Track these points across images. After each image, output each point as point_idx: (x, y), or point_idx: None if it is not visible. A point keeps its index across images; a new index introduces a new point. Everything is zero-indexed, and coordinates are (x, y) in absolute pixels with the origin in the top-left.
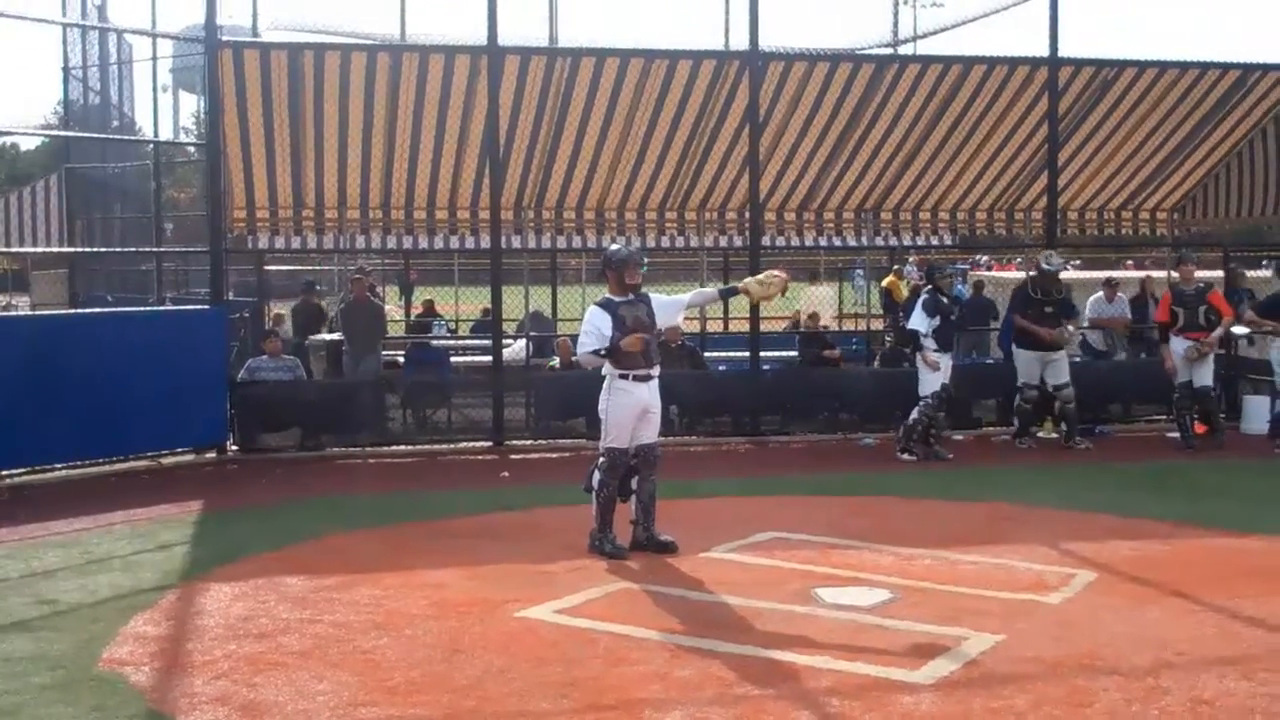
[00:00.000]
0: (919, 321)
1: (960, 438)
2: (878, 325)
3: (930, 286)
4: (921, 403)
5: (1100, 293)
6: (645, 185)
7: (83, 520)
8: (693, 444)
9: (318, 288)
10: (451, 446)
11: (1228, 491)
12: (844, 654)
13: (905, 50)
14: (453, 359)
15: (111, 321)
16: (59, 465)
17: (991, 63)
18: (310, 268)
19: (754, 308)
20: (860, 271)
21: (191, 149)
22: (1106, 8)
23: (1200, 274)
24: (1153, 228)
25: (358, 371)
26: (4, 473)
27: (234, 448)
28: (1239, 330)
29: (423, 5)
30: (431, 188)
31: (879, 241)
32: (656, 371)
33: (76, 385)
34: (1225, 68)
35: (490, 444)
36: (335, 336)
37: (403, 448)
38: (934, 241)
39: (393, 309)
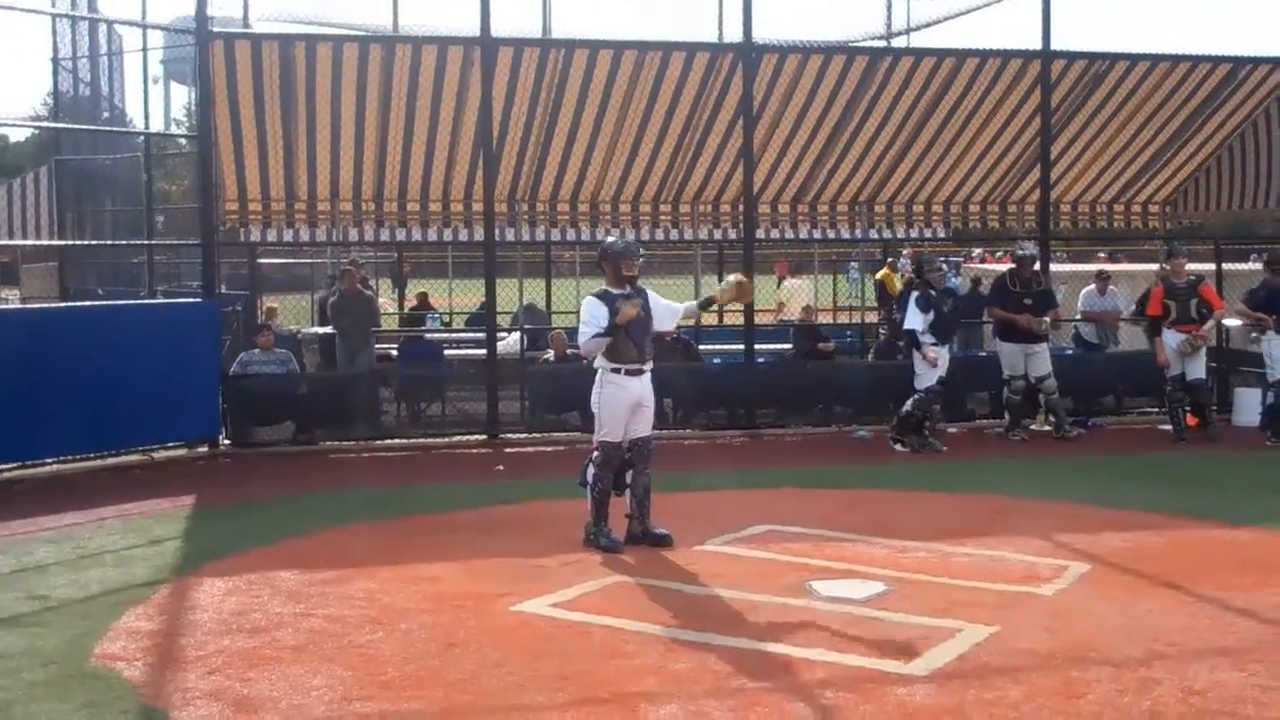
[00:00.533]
0: (915, 320)
1: (953, 430)
2: (872, 318)
3: (919, 282)
4: (917, 395)
5: (1092, 285)
6: (639, 178)
7: (74, 515)
8: (687, 437)
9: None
10: (446, 440)
11: (1220, 483)
12: (838, 646)
13: (899, 43)
14: (446, 352)
15: (102, 315)
16: (50, 460)
17: (984, 55)
18: (303, 261)
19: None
20: (854, 264)
21: (183, 141)
22: (1099, 1)
23: (1191, 267)
24: (1145, 220)
25: (353, 364)
26: None
27: (226, 442)
28: (1232, 322)
29: None
30: (425, 180)
31: (873, 234)
32: (649, 366)
33: (67, 379)
34: (1217, 61)
35: (485, 437)
36: (328, 330)
37: (397, 441)
38: (927, 234)
39: (386, 302)
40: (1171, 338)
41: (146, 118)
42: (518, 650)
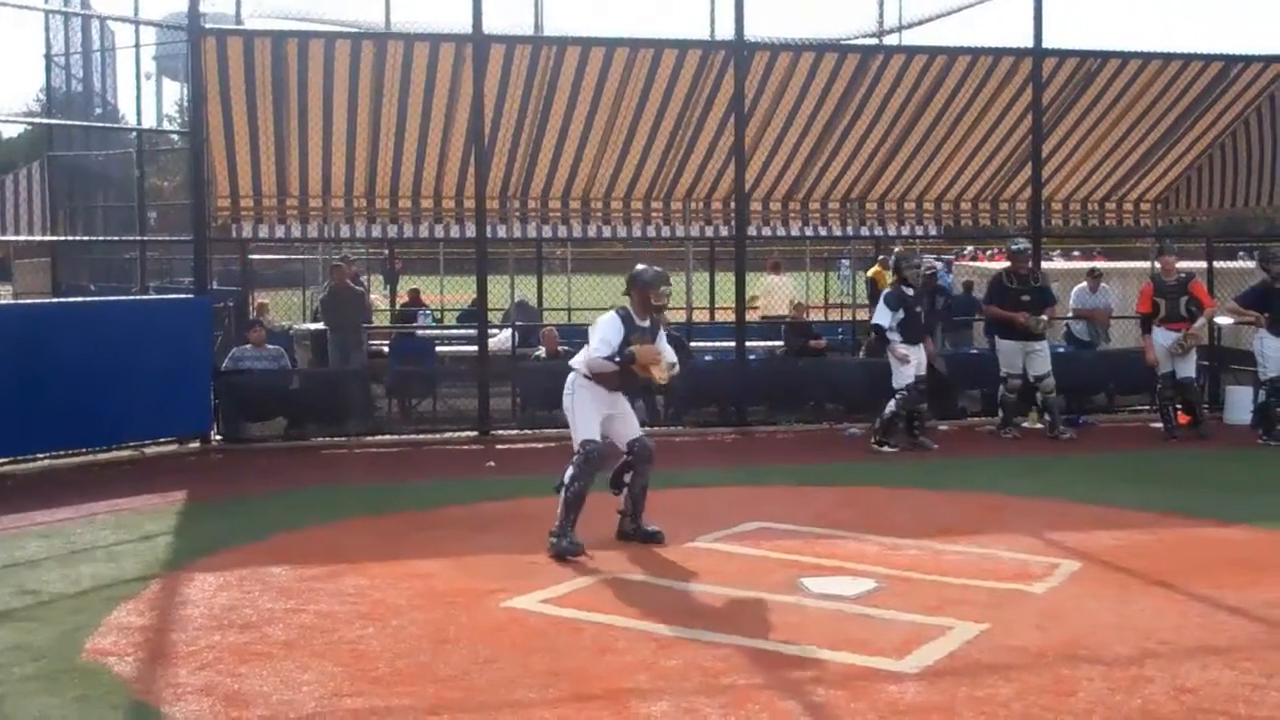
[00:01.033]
0: (882, 316)
1: (945, 428)
2: (864, 315)
3: (894, 279)
4: (897, 395)
5: (1084, 283)
6: (631, 175)
7: (65, 510)
8: (678, 434)
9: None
10: (437, 436)
11: (1211, 481)
12: (829, 643)
13: (890, 40)
14: (438, 348)
15: (94, 311)
16: (41, 455)
17: (976, 53)
18: (295, 257)
19: (740, 298)
20: (846, 262)
21: (175, 137)
22: None
23: (1181, 264)
24: (1136, 218)
25: (346, 360)
26: None
27: (218, 438)
28: (1223, 320)
29: None
30: (416, 176)
31: (864, 232)
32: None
33: (59, 375)
34: (1208, 59)
35: (476, 434)
36: (320, 325)
37: (388, 437)
38: (919, 232)
39: (378, 298)
40: (1161, 336)
41: (139, 114)
42: (508, 646)
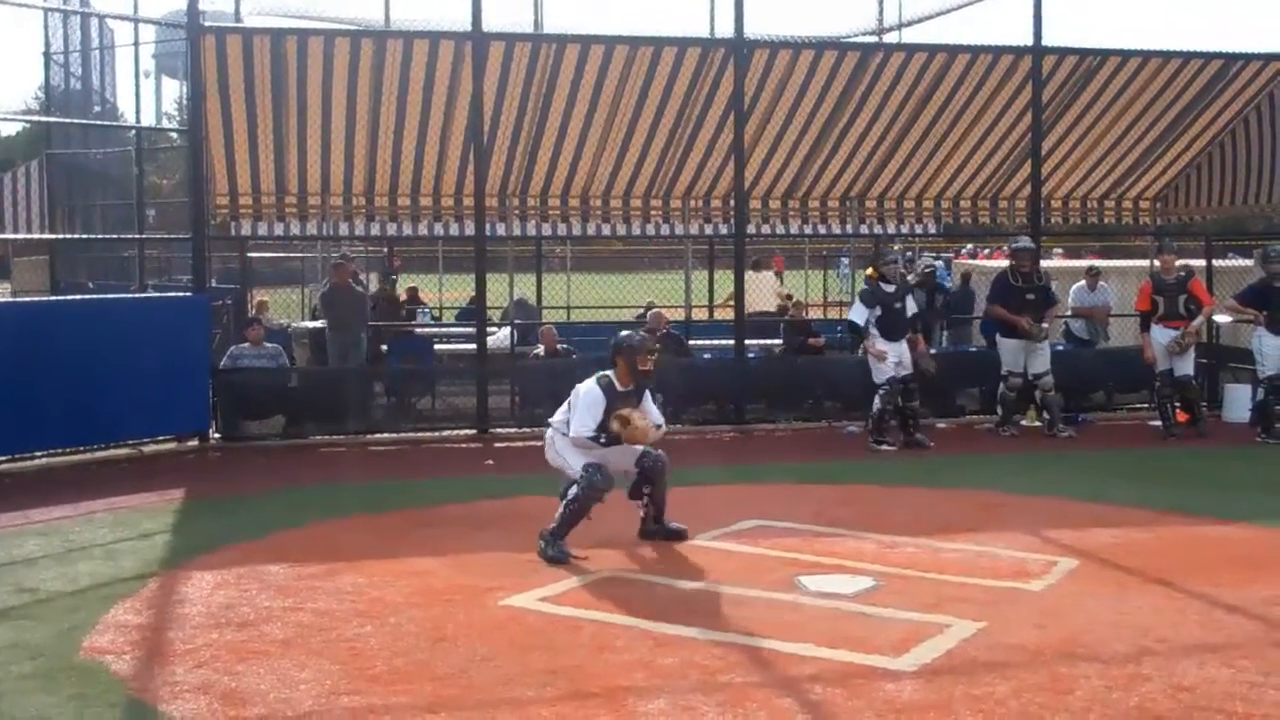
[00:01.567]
0: (857, 313)
1: (944, 426)
2: None
3: (869, 275)
4: (878, 392)
5: (1083, 281)
6: (630, 173)
7: (63, 508)
8: (677, 432)
9: (393, 278)
10: (436, 435)
11: (1209, 479)
12: (827, 641)
13: (890, 38)
14: (437, 347)
15: (93, 309)
16: (39, 453)
17: (975, 51)
18: (294, 255)
19: (739, 296)
20: (845, 260)
21: (174, 135)
22: None
23: (1180, 262)
24: (1135, 216)
25: (345, 360)
26: None
27: (216, 436)
28: (1222, 318)
29: None
30: (415, 174)
31: (864, 230)
32: None
33: (57, 373)
34: (1208, 57)
35: (475, 432)
36: (319, 324)
37: (386, 436)
38: (918, 230)
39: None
40: (1160, 334)
41: (138, 112)
42: (506, 644)
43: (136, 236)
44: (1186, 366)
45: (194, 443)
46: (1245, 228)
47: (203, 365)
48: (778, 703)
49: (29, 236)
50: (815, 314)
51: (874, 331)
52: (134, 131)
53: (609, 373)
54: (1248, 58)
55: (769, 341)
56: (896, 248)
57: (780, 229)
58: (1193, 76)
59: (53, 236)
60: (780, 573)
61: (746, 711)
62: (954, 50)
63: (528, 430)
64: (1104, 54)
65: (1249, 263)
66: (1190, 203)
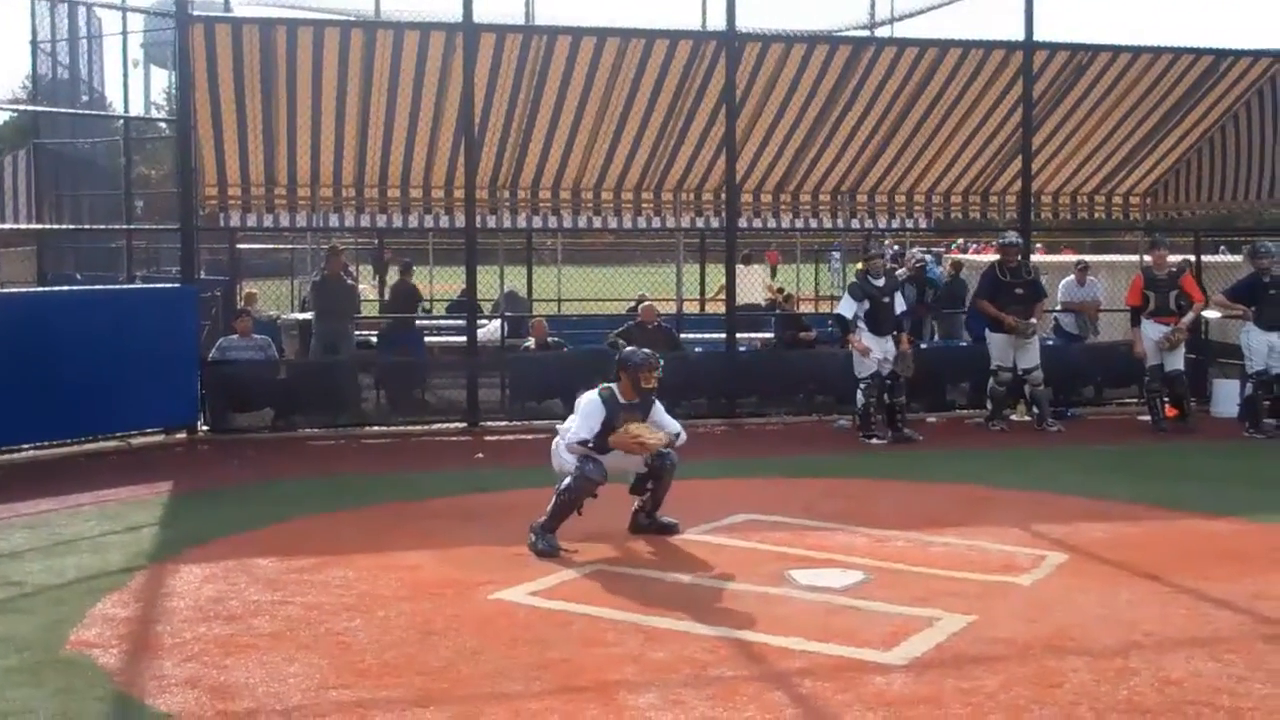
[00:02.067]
0: (845, 307)
1: (933, 420)
2: None
3: (859, 270)
4: (860, 387)
5: (1072, 276)
6: (621, 165)
7: (50, 501)
8: None
9: (411, 265)
10: (426, 428)
11: (1198, 474)
12: (817, 635)
13: (882, 33)
14: (427, 339)
15: (80, 300)
16: (26, 446)
17: (967, 46)
18: (283, 246)
19: (730, 289)
20: (837, 254)
21: (163, 125)
22: None
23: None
24: (1126, 212)
25: (329, 351)
26: None
27: (205, 428)
28: (1211, 313)
29: None
30: (406, 166)
31: (855, 224)
32: None
33: (44, 365)
34: (1199, 53)
35: (465, 425)
36: (308, 315)
37: (376, 429)
38: (909, 224)
39: (367, 288)
40: (1151, 329)
41: (126, 101)
42: (496, 639)
43: (124, 227)
44: (1177, 361)
45: (182, 435)
46: (1235, 223)
47: (191, 357)
48: (768, 696)
49: (16, 227)
50: (806, 308)
51: (861, 326)
52: (122, 121)
53: (612, 385)
54: (1238, 54)
55: (760, 335)
56: (887, 242)
57: (771, 223)
58: (1183, 72)
59: (40, 227)
60: (770, 567)
61: (737, 705)
62: (945, 45)
63: (518, 423)
64: (1095, 49)
65: (1237, 258)
66: (1180, 198)
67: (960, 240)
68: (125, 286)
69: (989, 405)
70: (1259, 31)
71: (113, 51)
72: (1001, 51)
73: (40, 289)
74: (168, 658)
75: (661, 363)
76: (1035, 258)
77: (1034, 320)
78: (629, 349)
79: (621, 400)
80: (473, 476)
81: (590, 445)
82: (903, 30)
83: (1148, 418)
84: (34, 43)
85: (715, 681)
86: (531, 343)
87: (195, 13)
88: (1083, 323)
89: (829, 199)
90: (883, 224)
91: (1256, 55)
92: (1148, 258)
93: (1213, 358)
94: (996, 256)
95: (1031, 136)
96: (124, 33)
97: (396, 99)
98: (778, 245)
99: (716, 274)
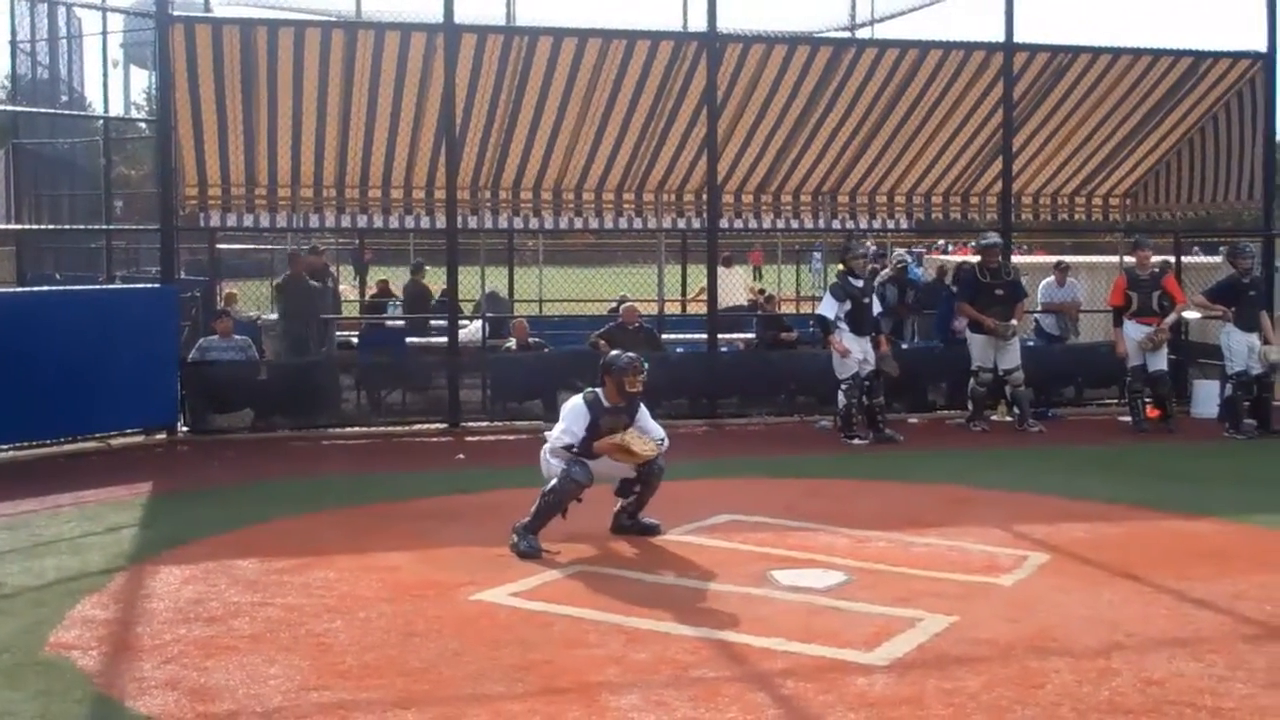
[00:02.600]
0: (827, 308)
1: (914, 420)
2: None
3: (840, 270)
4: (840, 387)
5: (1051, 277)
6: (603, 166)
7: (29, 502)
8: None
9: (425, 266)
10: (407, 428)
11: (1179, 475)
12: (799, 636)
13: (862, 34)
14: (408, 340)
15: (60, 300)
16: (5, 446)
17: (948, 47)
18: (263, 247)
19: (712, 290)
20: (818, 255)
21: (142, 125)
22: None
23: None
24: (1106, 213)
25: (297, 352)
26: None
27: (185, 429)
28: (1190, 314)
29: None
30: (387, 166)
31: (836, 225)
32: None
33: (23, 365)
34: (1178, 55)
35: (446, 426)
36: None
37: (357, 429)
38: (890, 225)
39: (347, 289)
40: (1133, 329)
41: (106, 102)
42: (477, 640)
43: (104, 228)
44: (1160, 362)
45: (162, 436)
46: (1215, 224)
47: (171, 358)
48: (750, 697)
49: None
50: (788, 309)
51: (842, 326)
52: (102, 121)
53: (597, 389)
54: (1217, 55)
55: (741, 336)
56: (868, 242)
57: (753, 223)
58: (1163, 74)
59: (19, 227)
60: (752, 567)
61: (719, 706)
62: (926, 46)
63: (499, 424)
64: (1075, 51)
65: (1211, 259)
66: (1160, 199)
67: (941, 241)
68: (105, 287)
69: (970, 406)
70: (1238, 33)
71: (92, 52)
72: (982, 53)
73: (19, 289)
74: (148, 660)
75: (646, 366)
76: (1016, 258)
77: (1014, 321)
78: (613, 353)
79: (606, 404)
80: (454, 477)
81: (575, 450)
82: (883, 32)
83: (1128, 418)
84: (13, 42)
85: (697, 682)
86: (513, 343)
87: (175, 13)
88: (1063, 323)
89: (810, 200)
90: (864, 225)
91: (1236, 57)
92: (1130, 258)
93: (1193, 358)
94: (974, 257)
95: (1012, 138)
96: (104, 33)
97: (377, 99)
98: (761, 246)
99: (698, 275)
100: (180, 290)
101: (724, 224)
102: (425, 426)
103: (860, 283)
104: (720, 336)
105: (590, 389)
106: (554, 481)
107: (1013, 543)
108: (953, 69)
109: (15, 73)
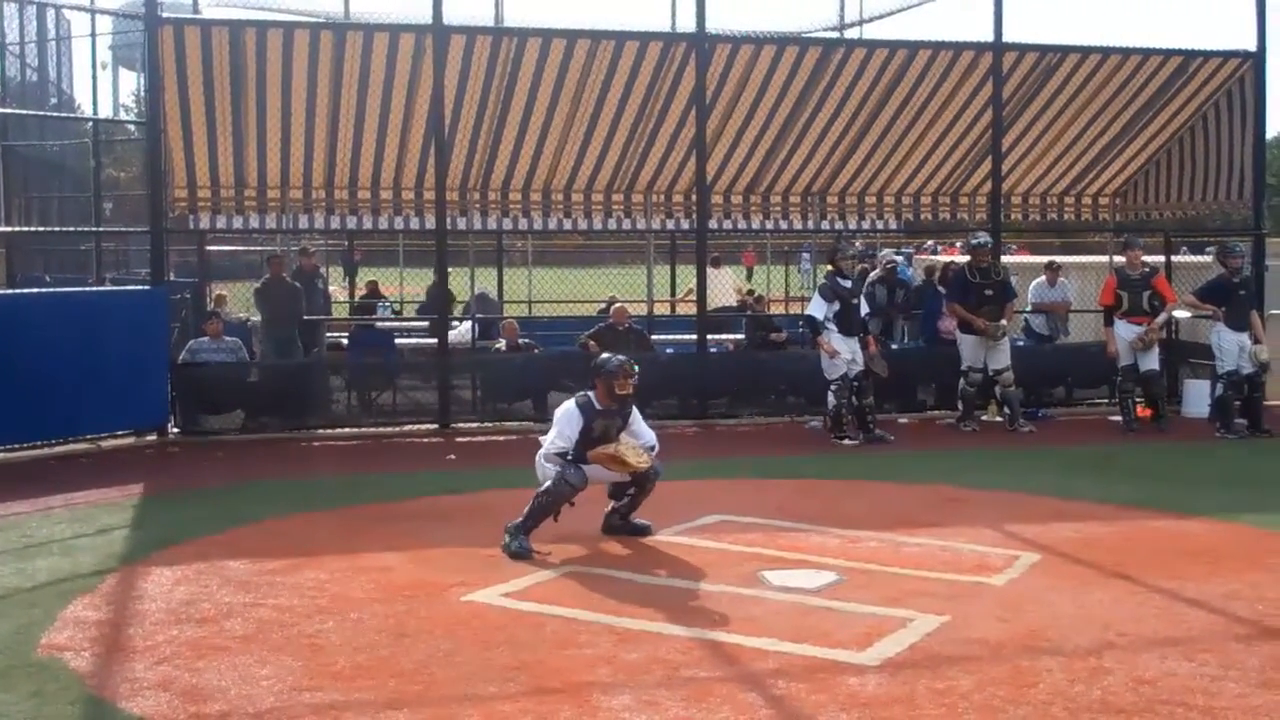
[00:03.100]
0: (816, 308)
1: (904, 421)
2: None
3: (829, 270)
4: (830, 388)
5: (1042, 277)
6: (592, 167)
7: (21, 504)
8: None
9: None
10: (397, 429)
11: (1170, 474)
12: (790, 636)
13: (851, 34)
14: (398, 341)
15: (50, 302)
16: None
17: (937, 47)
18: (253, 248)
19: (701, 290)
20: (807, 255)
21: (132, 127)
22: None
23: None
24: (1095, 213)
25: (282, 355)
26: None
27: (175, 430)
28: (1181, 314)
29: None
30: (376, 167)
31: (825, 225)
32: None
33: (14, 367)
34: (1167, 54)
35: (436, 426)
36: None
37: (347, 430)
38: (880, 225)
39: (337, 290)
40: (1124, 329)
41: (95, 103)
42: (469, 640)
43: (94, 230)
44: (1152, 362)
45: (153, 437)
46: (1204, 224)
47: (161, 359)
48: (741, 697)
49: None
50: (777, 309)
51: (830, 327)
52: (91, 123)
53: (589, 392)
54: (1207, 54)
55: (731, 336)
56: (858, 243)
57: (742, 224)
58: (1152, 73)
59: (9, 229)
60: (743, 567)
61: (710, 706)
62: (915, 46)
63: (489, 425)
64: (1064, 50)
65: (1200, 259)
66: (1150, 199)
67: (930, 241)
68: (95, 289)
69: (960, 406)
70: (1228, 32)
71: (81, 54)
72: (971, 53)
73: (9, 291)
74: (139, 660)
75: (637, 369)
76: (1008, 258)
77: (1004, 322)
78: (603, 355)
79: (598, 407)
80: (444, 478)
81: (569, 455)
82: (872, 32)
83: (1119, 418)
84: (2, 45)
85: (689, 682)
86: (503, 344)
87: (164, 15)
88: (1053, 323)
89: (799, 200)
90: (853, 225)
91: (1225, 56)
92: (1120, 258)
93: (1183, 358)
94: (963, 257)
95: (1001, 137)
96: (93, 35)
97: (366, 100)
98: (754, 246)
99: (687, 275)
100: (170, 292)
101: (713, 225)
102: (415, 427)
103: (849, 283)
104: (709, 337)
105: (583, 392)
106: (548, 483)
107: (1004, 542)
108: (942, 69)
109: (4, 75)
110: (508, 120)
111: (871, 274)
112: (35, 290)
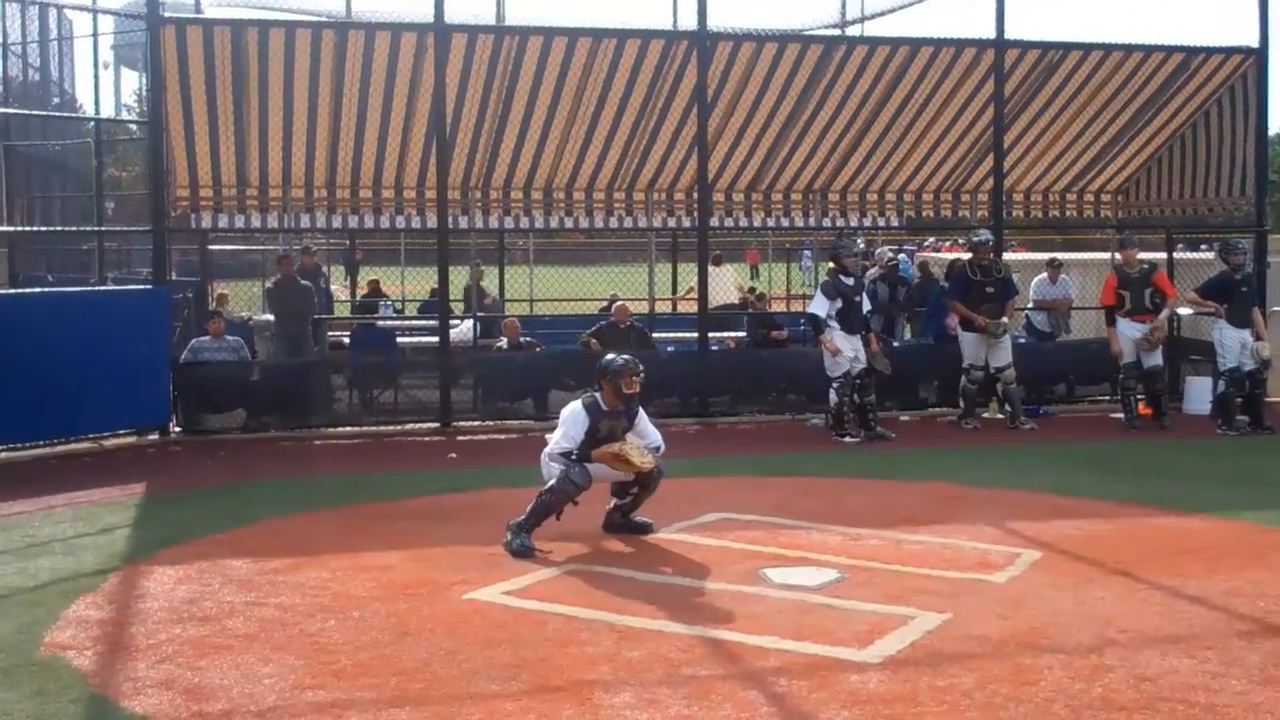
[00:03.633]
0: (818, 306)
1: (906, 418)
2: None
3: (831, 268)
4: (832, 386)
5: (1044, 274)
6: (593, 165)
7: (23, 503)
8: None
9: (480, 266)
10: (398, 428)
11: (1171, 471)
12: (792, 634)
13: (853, 31)
14: (399, 340)
15: (52, 302)
16: None
17: (938, 44)
18: (255, 247)
19: (702, 288)
20: (808, 252)
21: (134, 127)
22: None
23: (1142, 255)
24: (1097, 210)
25: (294, 353)
26: None
27: (177, 429)
28: (1183, 310)
29: None
30: (377, 166)
31: (826, 223)
32: None
33: (16, 366)
34: (1169, 51)
35: (437, 425)
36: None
37: (349, 429)
38: (881, 223)
39: (338, 289)
40: (1126, 327)
41: (97, 103)
42: (471, 638)
43: (96, 229)
44: (1156, 358)
45: (155, 436)
46: (1206, 221)
47: (163, 358)
48: (743, 695)
49: None
50: (778, 307)
51: (833, 324)
52: (93, 123)
53: (595, 393)
54: (1209, 51)
55: (732, 334)
56: (860, 241)
57: (743, 222)
58: (1154, 70)
59: (11, 229)
60: (745, 565)
61: (712, 704)
62: (916, 44)
63: (491, 423)
64: (1066, 47)
65: (1199, 255)
66: (1152, 196)
67: (931, 239)
68: (97, 288)
69: (961, 403)
70: (1230, 29)
71: (83, 53)
72: (972, 50)
73: (11, 291)
74: (142, 659)
75: (642, 369)
76: (1009, 255)
77: (1005, 319)
78: (608, 356)
79: (604, 408)
80: (446, 476)
81: (574, 455)
82: (874, 29)
83: (1120, 415)
84: (4, 45)
85: (690, 680)
86: (504, 343)
87: (166, 14)
88: (1054, 321)
89: (800, 198)
90: (854, 223)
91: (1228, 53)
92: (1118, 256)
93: (1185, 355)
94: (965, 255)
95: (1003, 135)
96: (95, 35)
97: (368, 99)
98: (756, 244)
99: (688, 273)
100: (172, 291)
101: (714, 222)
102: (417, 426)
103: (851, 281)
104: (711, 335)
105: (589, 393)
106: (552, 482)
107: (1005, 540)
108: (943, 66)
109: (7, 75)
110: (509, 119)
111: (871, 271)
112: (37, 290)
